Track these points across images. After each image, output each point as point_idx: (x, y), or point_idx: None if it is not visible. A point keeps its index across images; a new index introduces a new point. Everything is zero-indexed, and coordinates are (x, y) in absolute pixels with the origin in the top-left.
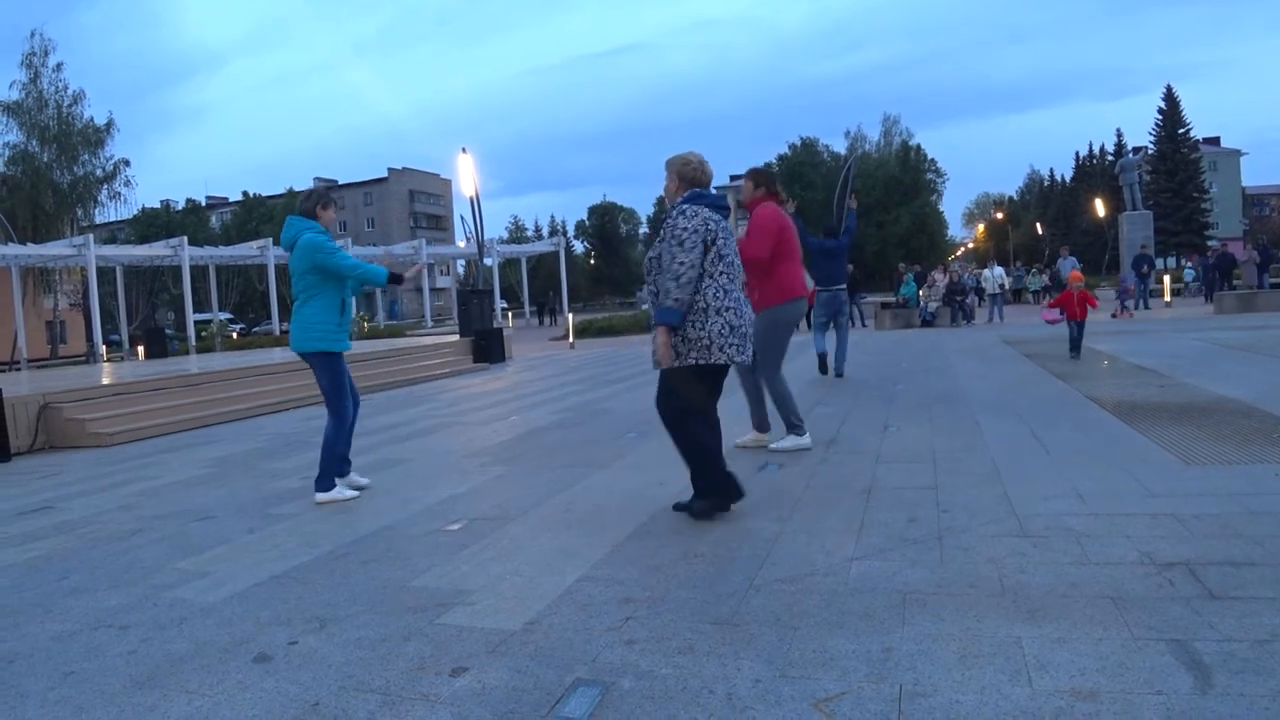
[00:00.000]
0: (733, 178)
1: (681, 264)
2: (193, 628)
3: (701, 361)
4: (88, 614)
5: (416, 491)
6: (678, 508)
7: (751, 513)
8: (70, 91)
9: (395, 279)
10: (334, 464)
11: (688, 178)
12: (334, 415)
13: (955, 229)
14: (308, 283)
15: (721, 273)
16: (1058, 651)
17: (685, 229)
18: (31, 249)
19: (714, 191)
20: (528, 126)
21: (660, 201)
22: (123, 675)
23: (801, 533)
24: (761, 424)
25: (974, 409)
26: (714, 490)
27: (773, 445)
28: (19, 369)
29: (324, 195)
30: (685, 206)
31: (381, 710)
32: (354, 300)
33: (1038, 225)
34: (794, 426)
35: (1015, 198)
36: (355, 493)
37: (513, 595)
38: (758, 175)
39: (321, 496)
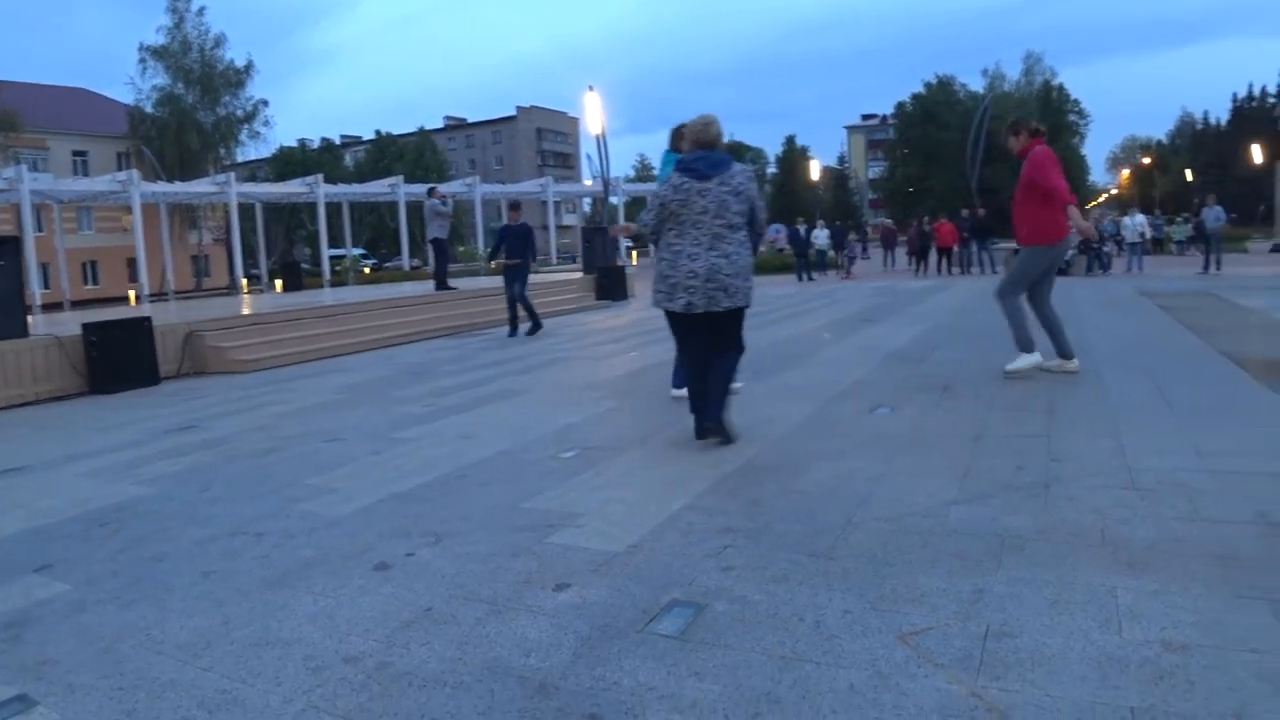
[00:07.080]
0: (864, 116)
1: (641, 216)
2: (320, 537)
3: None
4: (227, 521)
5: (534, 420)
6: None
7: (857, 452)
8: (212, 35)
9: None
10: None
11: (690, 138)
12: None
13: (1098, 174)
14: None
15: (670, 229)
16: (1152, 603)
17: (653, 193)
18: (178, 186)
19: (699, 153)
20: (652, 60)
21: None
22: (256, 576)
23: (905, 474)
24: (1065, 352)
25: (1099, 361)
26: None
27: (1008, 366)
28: (167, 300)
29: (676, 131)
30: (666, 172)
31: (488, 617)
32: None
33: (1187, 172)
34: (1024, 345)
35: (1164, 142)
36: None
37: (618, 519)
38: (1014, 124)
39: None
